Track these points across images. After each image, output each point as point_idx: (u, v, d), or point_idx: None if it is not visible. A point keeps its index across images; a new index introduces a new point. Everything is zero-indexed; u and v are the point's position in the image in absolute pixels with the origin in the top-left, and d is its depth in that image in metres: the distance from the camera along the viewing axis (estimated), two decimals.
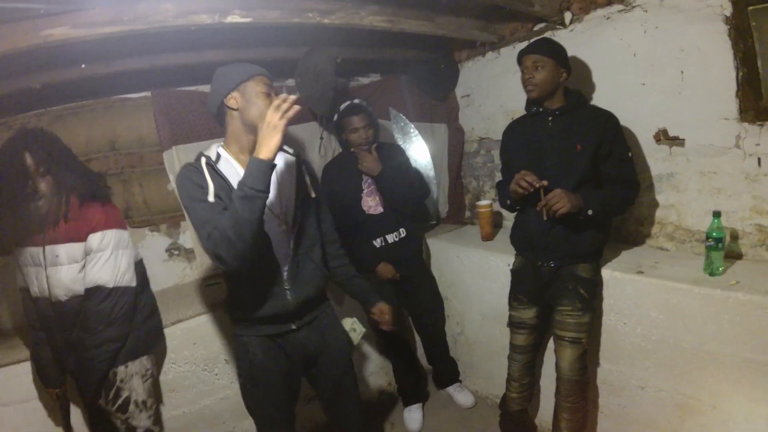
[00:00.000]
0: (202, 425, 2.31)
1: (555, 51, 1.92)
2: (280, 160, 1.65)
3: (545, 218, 1.84)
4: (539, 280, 2.03)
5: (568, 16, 2.33)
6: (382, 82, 3.22)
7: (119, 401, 1.81)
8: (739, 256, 1.94)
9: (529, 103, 2.02)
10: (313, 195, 1.72)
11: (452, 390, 2.85)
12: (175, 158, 2.54)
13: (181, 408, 2.25)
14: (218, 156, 1.57)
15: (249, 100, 1.53)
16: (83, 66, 2.04)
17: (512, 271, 2.20)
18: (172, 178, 2.58)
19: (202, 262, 2.78)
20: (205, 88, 2.62)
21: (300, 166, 1.71)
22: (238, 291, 1.65)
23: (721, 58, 1.83)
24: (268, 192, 1.38)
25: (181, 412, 2.25)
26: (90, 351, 1.72)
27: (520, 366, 2.15)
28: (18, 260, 1.77)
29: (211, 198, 1.45)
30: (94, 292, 1.72)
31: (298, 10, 1.93)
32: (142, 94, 2.55)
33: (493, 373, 2.61)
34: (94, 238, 1.73)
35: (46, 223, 1.69)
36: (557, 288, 1.98)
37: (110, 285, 1.73)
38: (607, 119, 1.92)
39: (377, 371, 2.94)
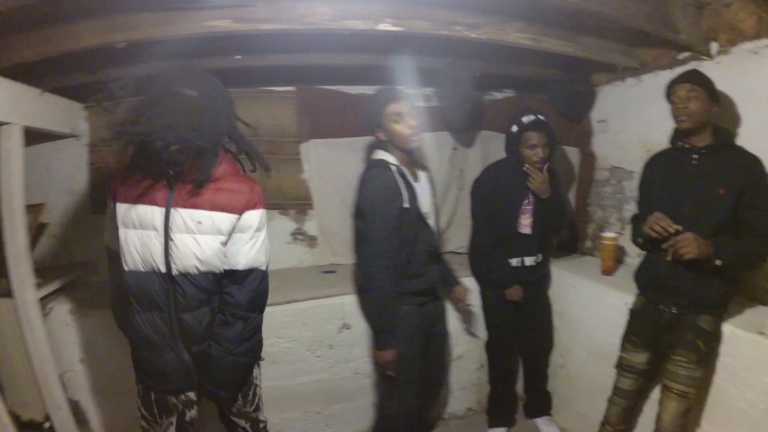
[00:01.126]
0: (292, 400, 2.47)
1: (708, 83, 1.83)
2: (423, 176, 2.18)
3: (669, 258, 1.77)
4: (658, 325, 1.92)
5: (714, 46, 2.20)
6: (516, 98, 3.18)
7: (256, 400, 1.71)
8: None
9: (675, 136, 1.92)
10: None
11: (541, 422, 2.75)
12: (312, 151, 2.73)
13: (277, 380, 2.40)
14: (398, 165, 2.03)
15: (388, 131, 2.02)
16: (238, 57, 2.27)
17: (631, 311, 2.09)
18: (306, 168, 2.77)
19: (322, 250, 2.96)
20: (347, 88, 2.83)
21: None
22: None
23: None
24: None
25: (276, 384, 2.39)
26: (246, 343, 1.57)
27: (619, 411, 2.06)
28: (118, 217, 1.49)
29: (406, 204, 1.98)
30: (249, 274, 1.57)
31: (446, 22, 2.00)
32: (287, 87, 2.77)
33: (588, 413, 2.47)
34: (254, 216, 1.57)
35: (184, 180, 1.46)
36: (675, 336, 1.85)
37: (264, 267, 1.61)
38: (755, 163, 1.78)
39: (470, 387, 2.92)
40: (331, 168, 2.88)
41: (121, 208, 1.47)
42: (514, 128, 2.44)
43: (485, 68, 2.60)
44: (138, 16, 1.80)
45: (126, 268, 1.48)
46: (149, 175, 1.46)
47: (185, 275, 1.48)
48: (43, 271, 2.43)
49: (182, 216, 1.46)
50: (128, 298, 1.50)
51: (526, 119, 2.40)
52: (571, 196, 3.13)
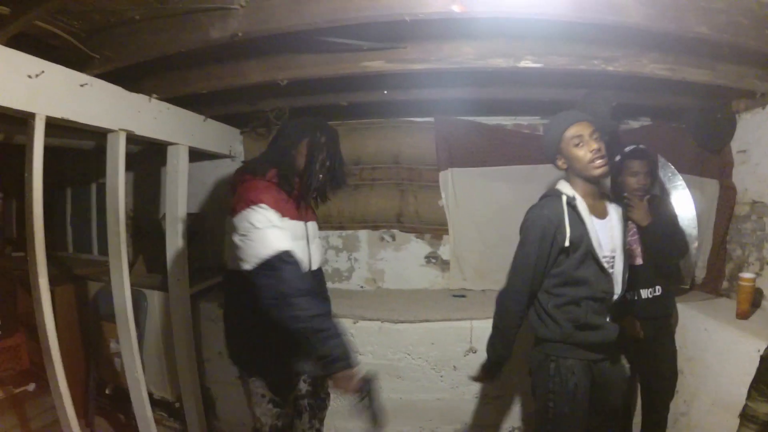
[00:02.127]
0: (410, 414, 2.58)
1: None
2: (612, 208, 1.90)
3: None
4: None
5: None
6: (652, 127, 3.12)
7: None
8: None
9: None
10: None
11: None
12: (449, 179, 2.90)
13: (400, 393, 2.53)
14: (573, 197, 1.79)
15: (568, 157, 1.79)
16: (385, 92, 2.46)
17: (762, 357, 1.93)
18: (443, 195, 2.93)
19: (454, 274, 3.08)
20: (485, 119, 2.97)
21: (619, 211, 1.91)
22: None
23: None
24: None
25: (398, 397, 2.53)
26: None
27: None
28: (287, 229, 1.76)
29: (567, 243, 1.73)
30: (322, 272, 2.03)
31: (584, 56, 2.05)
32: (426, 118, 2.96)
33: None
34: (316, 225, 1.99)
35: (306, 199, 1.87)
36: None
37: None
38: None
39: None
40: (467, 196, 3.00)
41: (288, 222, 1.76)
42: (617, 157, 2.43)
43: (621, 98, 2.59)
44: (300, 57, 2.05)
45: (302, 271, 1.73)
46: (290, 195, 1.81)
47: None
48: (196, 272, 2.76)
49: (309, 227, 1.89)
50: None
51: (628, 148, 2.41)
52: (708, 232, 2.97)
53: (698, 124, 2.88)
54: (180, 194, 2.60)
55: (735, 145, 2.84)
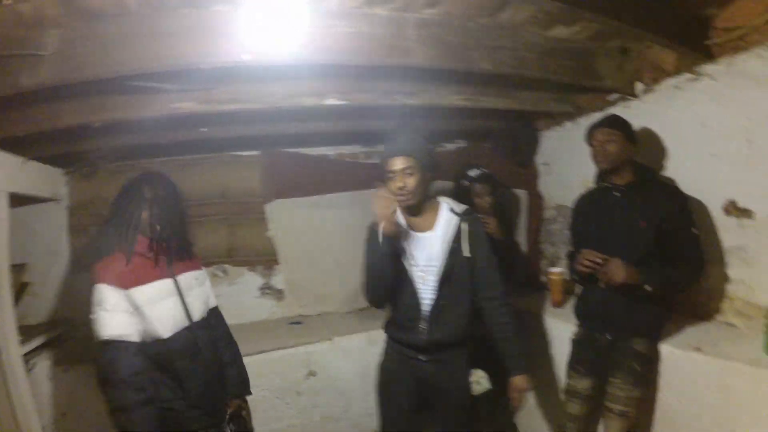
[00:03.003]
0: None
1: (625, 126, 2.02)
2: (441, 222, 1.94)
3: (602, 285, 1.93)
4: (596, 352, 2.06)
5: (639, 86, 2.40)
6: (467, 148, 3.45)
7: None
8: None
9: (598, 176, 2.11)
10: (466, 255, 1.92)
11: None
12: (276, 210, 2.95)
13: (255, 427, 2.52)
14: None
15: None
16: (204, 129, 2.49)
17: (572, 340, 2.23)
18: (272, 226, 2.97)
19: (290, 302, 3.13)
20: (308, 150, 3.08)
21: (458, 226, 1.93)
22: (391, 315, 2.05)
23: None
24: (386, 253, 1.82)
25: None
26: (240, 354, 2.03)
27: None
28: (133, 301, 1.70)
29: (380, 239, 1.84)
30: (218, 309, 2.04)
31: (386, 92, 2.24)
32: (252, 152, 3.01)
33: None
34: (203, 272, 2.01)
35: (174, 255, 1.84)
36: (612, 360, 1.99)
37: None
38: (673, 196, 1.96)
39: None
40: (295, 225, 3.09)
41: (139, 291, 1.72)
42: (465, 183, 2.72)
43: (431, 126, 2.83)
44: (112, 99, 2.02)
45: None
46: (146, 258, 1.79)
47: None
48: (26, 328, 2.55)
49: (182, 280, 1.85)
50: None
51: (473, 173, 2.69)
52: (523, 234, 3.34)
53: (506, 143, 3.25)
54: (1, 244, 2.41)
55: (540, 158, 3.25)
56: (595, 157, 2.04)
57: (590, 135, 2.06)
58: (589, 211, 2.16)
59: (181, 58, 1.68)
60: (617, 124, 2.02)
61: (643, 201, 1.96)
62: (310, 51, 1.74)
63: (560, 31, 2.13)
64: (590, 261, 1.93)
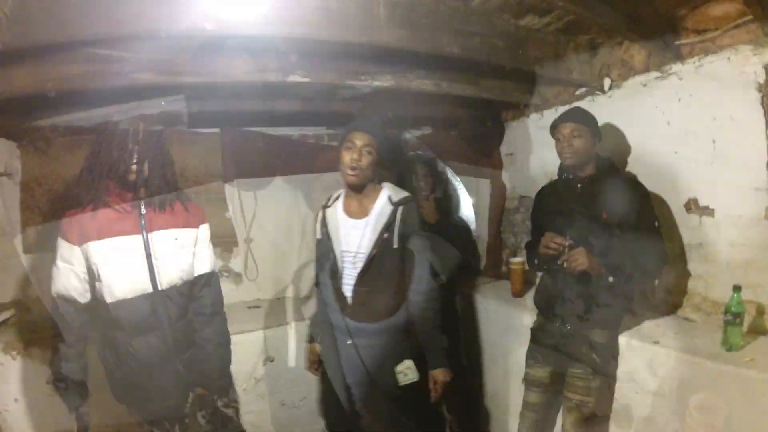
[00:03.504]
0: None
1: (591, 121, 2.01)
2: (376, 209, 1.97)
3: (567, 269, 1.92)
4: (554, 341, 2.07)
5: (607, 82, 2.40)
6: (432, 135, 3.42)
7: None
8: (765, 332, 1.87)
9: (562, 168, 2.10)
10: (395, 246, 1.95)
11: None
12: (236, 190, 2.87)
13: None
14: (329, 199, 2.09)
15: (339, 159, 1.96)
16: (162, 102, 2.37)
17: (531, 329, 2.23)
18: (230, 207, 2.90)
19: (248, 286, 3.07)
20: (270, 129, 2.98)
21: (393, 215, 1.96)
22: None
23: (753, 128, 1.83)
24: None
25: None
26: (227, 335, 1.93)
27: (530, 423, 2.16)
28: (88, 257, 1.58)
29: (318, 235, 2.04)
30: (212, 277, 1.89)
31: (351, 73, 2.18)
32: (212, 130, 2.90)
33: (510, 429, 2.60)
34: (205, 229, 1.90)
35: (155, 206, 1.68)
36: (571, 350, 2.00)
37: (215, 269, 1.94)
38: (635, 189, 1.97)
39: None
40: (255, 206, 3.04)
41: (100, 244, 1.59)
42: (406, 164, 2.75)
43: (397, 110, 2.78)
44: (69, 67, 1.87)
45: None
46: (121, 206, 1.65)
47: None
48: None
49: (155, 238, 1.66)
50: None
51: (412, 155, 2.78)
52: (485, 224, 3.35)
53: (471, 132, 3.24)
54: None
55: (504, 148, 3.24)
56: (562, 152, 2.02)
57: (556, 128, 2.05)
58: (551, 203, 2.15)
59: (138, 23, 1.58)
60: (584, 118, 2.01)
61: (605, 194, 1.96)
62: (276, 23, 1.67)
63: (532, 21, 2.13)
64: (556, 243, 1.93)
